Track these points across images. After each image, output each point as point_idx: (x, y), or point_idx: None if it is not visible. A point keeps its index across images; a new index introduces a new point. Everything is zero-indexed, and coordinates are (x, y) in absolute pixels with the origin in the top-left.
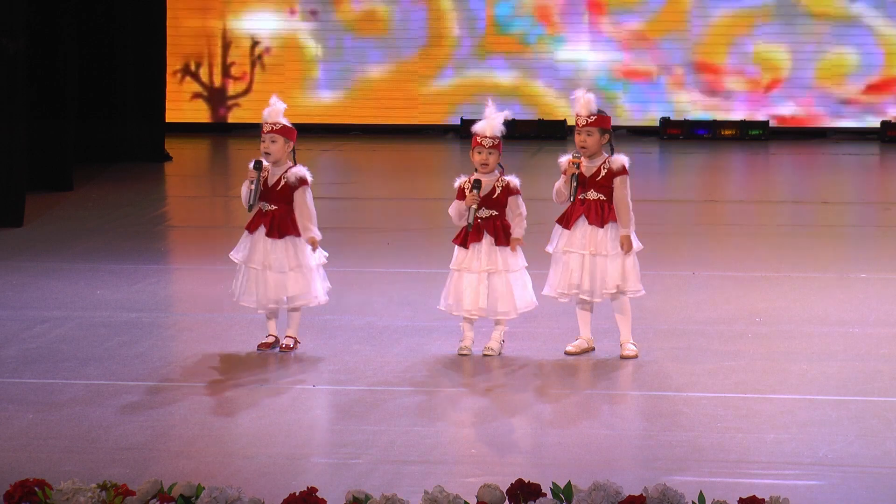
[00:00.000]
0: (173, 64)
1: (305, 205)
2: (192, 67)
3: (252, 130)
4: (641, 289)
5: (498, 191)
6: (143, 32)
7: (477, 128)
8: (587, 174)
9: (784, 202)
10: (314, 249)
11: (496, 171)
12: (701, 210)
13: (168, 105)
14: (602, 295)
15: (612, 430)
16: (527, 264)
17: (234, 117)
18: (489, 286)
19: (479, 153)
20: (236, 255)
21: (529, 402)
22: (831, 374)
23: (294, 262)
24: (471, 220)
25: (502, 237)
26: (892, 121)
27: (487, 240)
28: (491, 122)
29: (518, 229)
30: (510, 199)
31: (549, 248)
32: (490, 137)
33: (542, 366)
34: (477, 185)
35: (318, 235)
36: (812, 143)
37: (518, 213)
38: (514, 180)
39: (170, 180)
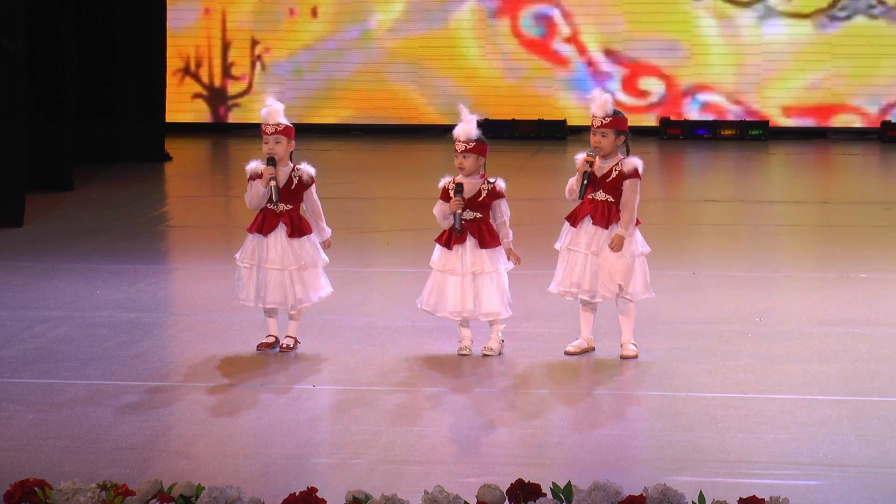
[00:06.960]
0: (173, 64)
1: (317, 203)
2: (192, 67)
3: (252, 130)
4: (651, 293)
5: (483, 193)
6: (143, 32)
7: (454, 133)
8: (598, 174)
9: (784, 202)
10: (326, 248)
11: (478, 174)
12: (701, 210)
13: (168, 105)
14: (602, 296)
15: (612, 429)
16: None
17: (234, 117)
18: (475, 287)
19: (455, 157)
20: (247, 260)
21: (529, 402)
22: (831, 374)
23: (313, 259)
24: (458, 226)
25: (487, 239)
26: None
27: (471, 242)
28: (465, 127)
29: (507, 239)
30: (495, 202)
31: (557, 245)
32: (464, 142)
33: (541, 366)
34: (459, 188)
35: (330, 234)
36: (812, 143)
37: (502, 220)
38: (500, 183)
39: (170, 180)
